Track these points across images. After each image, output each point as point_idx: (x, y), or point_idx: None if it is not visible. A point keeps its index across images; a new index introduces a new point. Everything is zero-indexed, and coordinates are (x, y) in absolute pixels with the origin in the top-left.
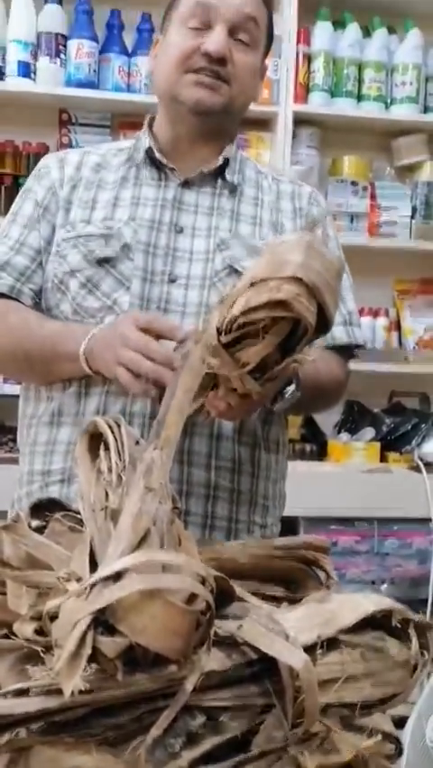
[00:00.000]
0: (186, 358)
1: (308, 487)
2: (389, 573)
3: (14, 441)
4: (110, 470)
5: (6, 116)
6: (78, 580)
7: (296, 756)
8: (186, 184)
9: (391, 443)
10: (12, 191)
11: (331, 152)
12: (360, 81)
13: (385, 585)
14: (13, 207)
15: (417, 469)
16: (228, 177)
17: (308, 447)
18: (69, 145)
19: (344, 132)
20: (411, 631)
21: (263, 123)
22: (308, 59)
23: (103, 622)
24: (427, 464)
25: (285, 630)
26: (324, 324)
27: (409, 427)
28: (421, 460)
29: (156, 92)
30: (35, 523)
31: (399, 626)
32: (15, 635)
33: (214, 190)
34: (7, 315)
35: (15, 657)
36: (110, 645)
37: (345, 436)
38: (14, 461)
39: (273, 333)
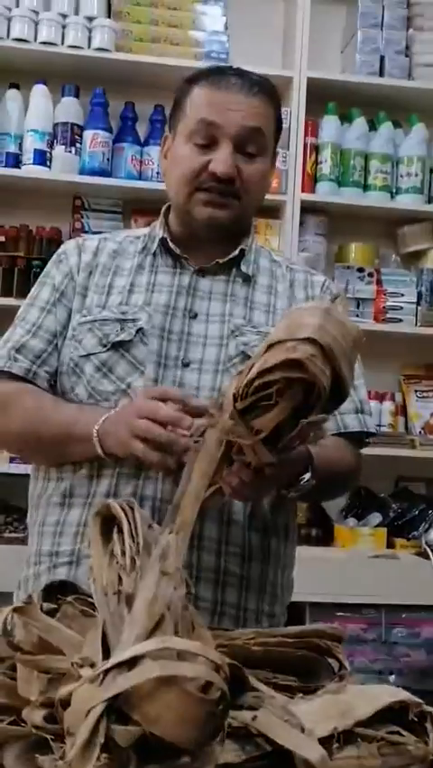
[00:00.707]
0: (201, 440)
1: (315, 572)
2: (397, 663)
3: (19, 521)
4: (123, 553)
5: (22, 202)
6: (92, 665)
7: None
8: (200, 272)
9: (398, 529)
10: (25, 273)
11: (338, 239)
12: (366, 172)
13: (393, 676)
14: (32, 292)
15: (424, 555)
16: (243, 268)
17: (314, 532)
18: (82, 230)
19: (350, 220)
20: (429, 725)
21: (272, 211)
22: (316, 150)
23: (116, 710)
24: None
25: (301, 722)
26: (339, 392)
27: (417, 513)
28: (429, 546)
29: (169, 197)
30: (47, 606)
31: (415, 719)
32: (24, 722)
33: (228, 278)
34: (23, 398)
35: (24, 745)
36: (124, 735)
37: (351, 521)
38: (20, 540)
39: (287, 397)
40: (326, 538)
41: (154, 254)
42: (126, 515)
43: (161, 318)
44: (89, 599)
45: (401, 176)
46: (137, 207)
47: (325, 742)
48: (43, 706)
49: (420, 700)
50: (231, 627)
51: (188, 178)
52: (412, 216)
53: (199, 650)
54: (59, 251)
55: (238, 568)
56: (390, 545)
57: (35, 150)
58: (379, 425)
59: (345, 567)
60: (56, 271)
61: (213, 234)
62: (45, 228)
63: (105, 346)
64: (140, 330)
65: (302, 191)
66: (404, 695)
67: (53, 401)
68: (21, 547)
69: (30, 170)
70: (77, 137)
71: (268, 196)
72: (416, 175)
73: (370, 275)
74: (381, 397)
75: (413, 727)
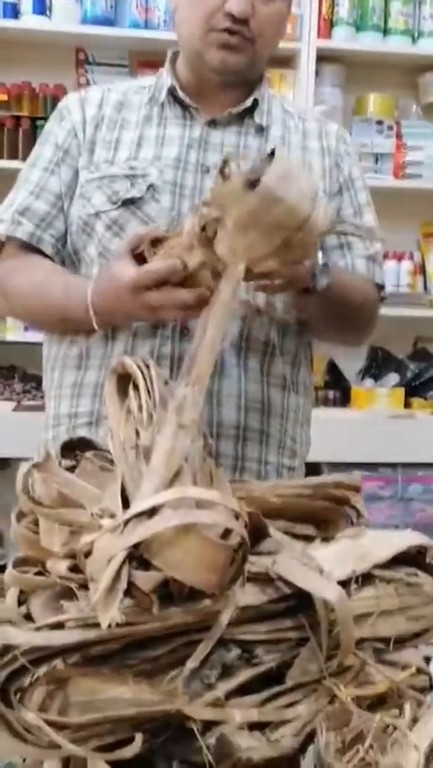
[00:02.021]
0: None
1: (332, 433)
2: (413, 518)
3: (37, 388)
4: (140, 408)
5: (22, 56)
6: (112, 516)
7: (330, 688)
8: (212, 123)
9: (416, 389)
10: (29, 134)
11: (356, 90)
12: (386, 14)
13: (409, 530)
14: (35, 150)
15: None
16: (257, 118)
17: (331, 394)
18: (87, 86)
19: (369, 68)
20: None
21: (285, 61)
22: None
23: (138, 557)
24: None
25: (319, 565)
26: None
27: None
28: None
29: (179, 40)
30: (66, 463)
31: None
32: (49, 573)
33: (240, 129)
34: (17, 279)
35: (49, 594)
36: (145, 579)
37: (368, 382)
38: (39, 408)
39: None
40: (343, 400)
41: (162, 105)
42: (142, 371)
43: (172, 173)
44: (108, 455)
45: (424, 17)
46: (144, 59)
47: (343, 584)
48: (67, 557)
49: None
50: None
51: (201, 18)
52: None
53: (218, 498)
54: (61, 104)
55: (258, 423)
56: (407, 405)
57: None
58: (397, 285)
59: (362, 427)
60: (58, 128)
61: (226, 80)
62: (48, 85)
63: (114, 203)
64: (151, 186)
65: (318, 37)
66: (422, 539)
67: (45, 279)
68: (40, 414)
69: (29, 20)
70: None
71: (281, 44)
72: None
73: (389, 128)
74: (399, 257)
75: (430, 570)
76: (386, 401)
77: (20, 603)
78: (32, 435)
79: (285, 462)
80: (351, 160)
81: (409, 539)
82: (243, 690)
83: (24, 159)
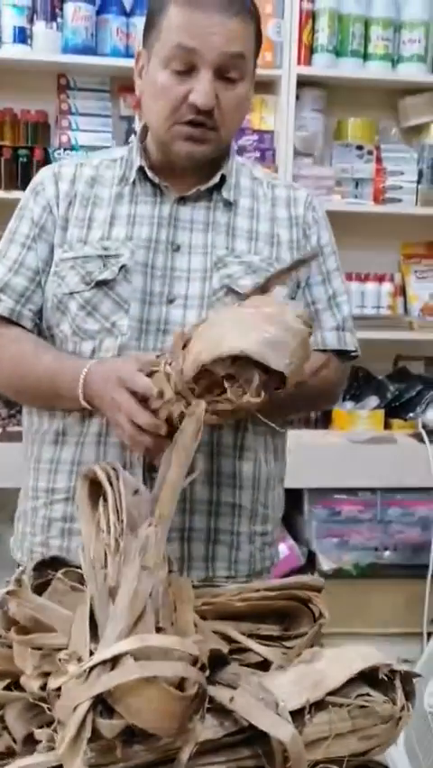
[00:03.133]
0: (179, 434)
1: (313, 458)
2: (392, 540)
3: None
4: (108, 531)
5: (3, 83)
6: (79, 659)
7: None
8: (181, 200)
9: (396, 410)
10: (11, 164)
11: (337, 113)
12: (366, 39)
13: (388, 551)
14: (11, 225)
15: (420, 437)
16: (225, 194)
17: (313, 415)
18: (69, 112)
19: (349, 92)
20: (397, 682)
21: (267, 86)
22: (313, 17)
23: (102, 700)
24: (430, 432)
25: (275, 699)
26: None
27: (414, 393)
28: (425, 428)
29: (147, 122)
30: (38, 580)
31: (385, 677)
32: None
33: (209, 204)
34: (6, 350)
35: (22, 705)
36: (108, 727)
37: (349, 404)
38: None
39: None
40: (324, 421)
41: (134, 182)
42: (111, 483)
43: (143, 253)
44: (79, 571)
45: (404, 42)
46: (125, 85)
47: (298, 712)
48: (38, 677)
49: (390, 662)
50: (225, 552)
51: (168, 112)
52: (415, 87)
53: (177, 645)
54: (36, 180)
55: (230, 497)
56: (387, 427)
57: (14, 26)
58: (378, 307)
59: (342, 452)
60: (33, 204)
61: (193, 167)
62: (30, 111)
63: (88, 284)
64: (123, 267)
65: (298, 64)
66: (375, 658)
67: (35, 351)
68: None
69: (9, 50)
70: (57, 10)
71: (263, 72)
72: (419, 41)
73: (369, 153)
74: (380, 279)
75: (383, 688)
76: (367, 422)
77: None
78: (17, 464)
79: (257, 530)
80: (319, 227)
81: (363, 659)
82: None
83: (6, 188)
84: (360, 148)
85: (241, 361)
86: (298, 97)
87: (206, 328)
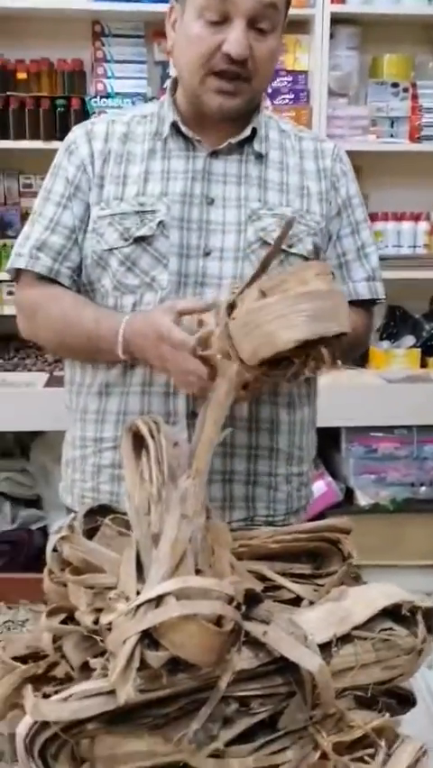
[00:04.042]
0: (213, 389)
1: (350, 397)
2: (428, 476)
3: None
4: (151, 481)
5: (38, 32)
6: (127, 598)
7: (314, 735)
8: (213, 154)
9: (431, 349)
10: (49, 115)
11: (371, 51)
12: None
13: (424, 487)
14: (46, 183)
15: None
16: (256, 146)
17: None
18: (104, 59)
19: (384, 28)
20: (419, 617)
21: (300, 25)
22: None
23: (148, 635)
24: None
25: (304, 633)
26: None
27: None
28: None
29: (178, 76)
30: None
31: (408, 613)
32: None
33: (241, 157)
34: (47, 308)
35: (78, 637)
36: (155, 658)
37: (385, 344)
38: None
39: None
40: (361, 360)
41: (165, 138)
42: (153, 436)
43: (179, 208)
44: (124, 517)
45: None
46: (159, 30)
47: (326, 645)
48: (91, 613)
49: (412, 598)
50: (263, 493)
51: (201, 62)
52: None
53: (215, 585)
54: (69, 138)
55: (268, 441)
56: (423, 365)
57: None
58: (414, 246)
59: (378, 391)
60: (67, 163)
61: (224, 120)
62: (66, 60)
63: (127, 240)
64: (160, 223)
65: (332, 1)
66: (398, 595)
67: (74, 308)
68: None
69: None
70: None
71: (296, 11)
72: None
73: (405, 90)
74: (416, 218)
75: (406, 622)
76: (403, 361)
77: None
78: (63, 408)
79: (294, 471)
80: (347, 178)
81: (386, 597)
82: (241, 737)
83: (46, 139)
84: (395, 85)
85: (301, 344)
86: (332, 36)
87: (246, 329)
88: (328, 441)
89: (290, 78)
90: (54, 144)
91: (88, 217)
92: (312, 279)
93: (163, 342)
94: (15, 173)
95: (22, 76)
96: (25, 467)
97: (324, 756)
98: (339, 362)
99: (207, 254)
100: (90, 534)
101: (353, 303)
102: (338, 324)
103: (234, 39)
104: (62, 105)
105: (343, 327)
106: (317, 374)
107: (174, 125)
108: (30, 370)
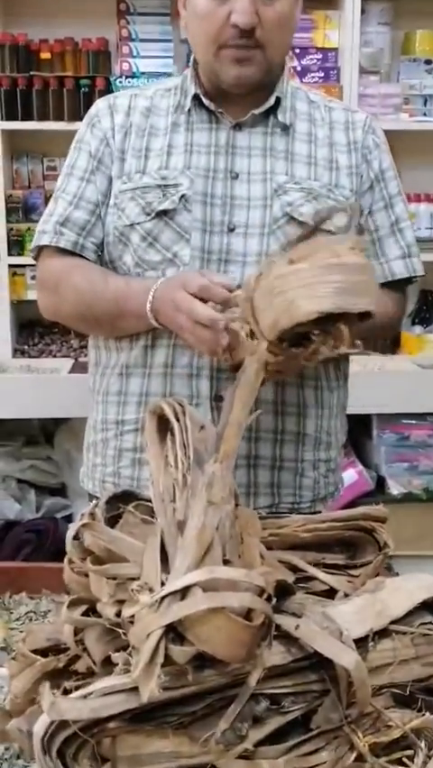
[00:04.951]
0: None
1: (381, 383)
2: None
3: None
4: (176, 466)
5: (64, 11)
6: (151, 590)
7: (350, 735)
8: (237, 126)
9: None
10: (74, 95)
11: (404, 26)
12: None
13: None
14: (69, 158)
15: None
16: (280, 117)
17: (380, 340)
18: (129, 38)
19: (417, 2)
20: None
21: (330, 1)
22: None
23: (174, 628)
24: None
25: (339, 627)
26: None
27: None
28: None
29: (194, 53)
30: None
31: None
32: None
33: (266, 129)
34: (72, 276)
35: (100, 630)
36: (180, 654)
37: (418, 328)
38: None
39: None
40: (392, 345)
41: (189, 111)
42: (178, 419)
43: (202, 182)
44: (148, 504)
45: None
46: None
47: (362, 639)
48: (114, 604)
49: None
50: (290, 480)
51: (211, 37)
52: None
53: (244, 576)
54: (91, 112)
55: (294, 425)
56: None
57: None
58: None
59: (410, 376)
60: (90, 136)
61: (244, 91)
62: (91, 40)
63: (148, 215)
64: (183, 197)
65: None
66: None
67: (102, 276)
68: None
69: None
70: None
71: None
72: None
73: None
74: None
75: None
76: None
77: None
78: (88, 395)
79: (321, 456)
80: (380, 150)
81: (425, 590)
82: (271, 737)
83: (70, 120)
84: (429, 62)
85: (323, 318)
86: (363, 11)
87: (270, 296)
88: (359, 428)
89: (320, 56)
90: (78, 126)
91: (110, 191)
92: (345, 252)
93: (183, 288)
94: (39, 156)
95: (45, 56)
96: (50, 455)
97: (360, 758)
98: (359, 344)
99: (231, 230)
100: (112, 521)
101: (386, 284)
102: (366, 302)
103: (240, 8)
104: (87, 86)
105: (369, 306)
106: (336, 354)
107: (196, 98)
108: (55, 356)
